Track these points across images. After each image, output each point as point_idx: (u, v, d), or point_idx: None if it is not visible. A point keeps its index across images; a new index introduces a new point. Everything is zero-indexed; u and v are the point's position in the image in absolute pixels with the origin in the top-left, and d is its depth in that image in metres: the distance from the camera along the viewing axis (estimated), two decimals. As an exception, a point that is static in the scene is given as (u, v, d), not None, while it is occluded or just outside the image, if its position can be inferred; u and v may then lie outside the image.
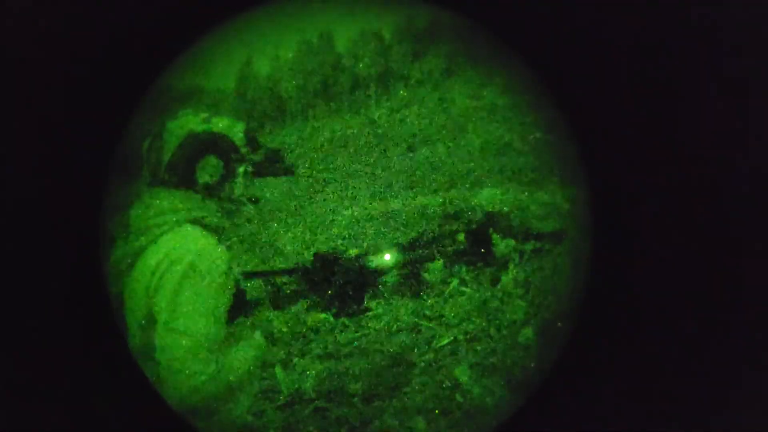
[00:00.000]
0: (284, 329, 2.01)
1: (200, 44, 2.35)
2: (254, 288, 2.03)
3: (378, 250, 2.14)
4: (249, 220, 2.03)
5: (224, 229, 1.98)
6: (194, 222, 1.94)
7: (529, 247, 2.22)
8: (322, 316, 2.11)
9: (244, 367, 1.93)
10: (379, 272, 2.11)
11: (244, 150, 2.02)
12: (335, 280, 2.10)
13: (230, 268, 1.94)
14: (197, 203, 1.96)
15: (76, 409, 2.24)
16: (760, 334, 2.18)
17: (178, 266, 1.87)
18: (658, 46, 2.24)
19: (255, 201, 2.05)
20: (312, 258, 2.07)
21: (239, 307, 1.99)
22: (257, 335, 1.96)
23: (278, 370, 2.10)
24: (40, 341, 2.20)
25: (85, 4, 2.18)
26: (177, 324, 1.85)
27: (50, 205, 2.21)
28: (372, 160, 2.19)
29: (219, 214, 1.97)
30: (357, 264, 2.11)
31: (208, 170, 1.96)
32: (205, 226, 1.94)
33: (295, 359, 2.11)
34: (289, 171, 2.08)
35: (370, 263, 2.10)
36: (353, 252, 2.12)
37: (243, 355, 1.93)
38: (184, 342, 1.86)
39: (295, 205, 2.18)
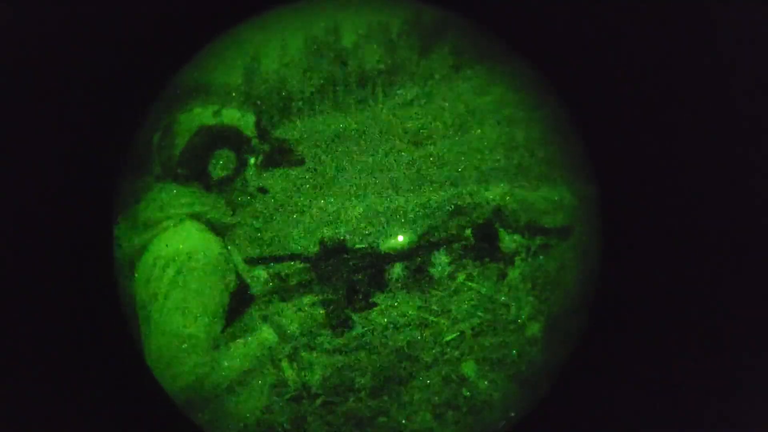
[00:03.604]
0: (292, 322, 2.01)
1: (209, 41, 2.35)
2: (258, 281, 2.03)
3: (390, 234, 2.14)
4: (256, 215, 2.04)
5: (227, 225, 1.97)
6: (196, 218, 1.93)
7: (536, 242, 2.22)
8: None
9: (248, 362, 1.92)
10: (390, 258, 2.11)
11: (255, 142, 2.01)
12: (342, 274, 2.10)
13: (230, 263, 1.92)
14: (203, 198, 1.95)
15: (85, 408, 2.25)
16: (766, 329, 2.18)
17: (174, 265, 1.86)
18: (665, 41, 2.24)
19: (264, 191, 2.05)
20: (318, 249, 2.06)
21: (243, 301, 1.98)
22: (265, 329, 1.95)
23: (285, 364, 2.10)
24: (50, 338, 2.20)
25: (98, 5, 2.19)
26: (170, 323, 1.84)
27: (63, 201, 2.22)
28: (379, 156, 2.19)
29: (224, 209, 1.96)
30: (365, 259, 2.11)
31: (221, 163, 1.95)
32: (207, 222, 1.93)
33: (303, 354, 2.11)
34: (299, 161, 2.08)
35: (381, 245, 2.10)
36: (360, 246, 2.13)
37: (247, 350, 1.92)
38: (176, 341, 1.85)
39: (301, 201, 2.19)
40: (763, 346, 2.19)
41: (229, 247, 1.95)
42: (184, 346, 1.86)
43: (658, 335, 2.30)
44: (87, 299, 2.26)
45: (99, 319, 2.25)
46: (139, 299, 1.99)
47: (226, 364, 1.89)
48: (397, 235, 2.08)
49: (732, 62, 2.19)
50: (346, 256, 2.08)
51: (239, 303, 1.97)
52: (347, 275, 2.07)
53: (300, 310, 2.00)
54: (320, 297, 2.01)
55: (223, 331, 1.92)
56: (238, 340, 1.93)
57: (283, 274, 2.05)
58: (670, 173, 2.27)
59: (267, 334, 1.94)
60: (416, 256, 2.15)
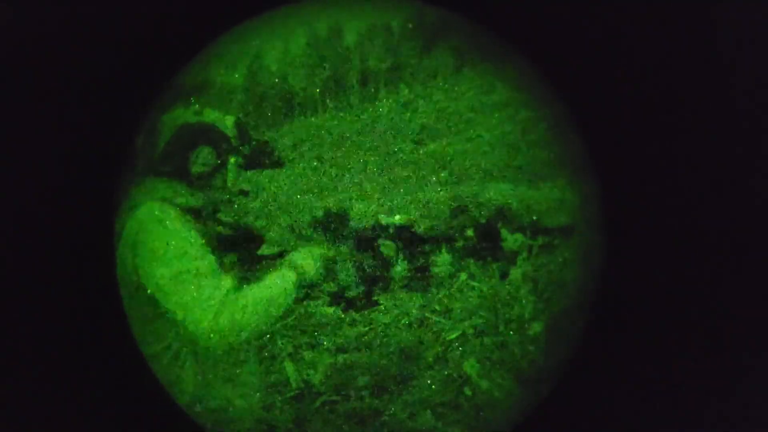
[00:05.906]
0: (308, 263, 2.02)
1: (210, 41, 2.36)
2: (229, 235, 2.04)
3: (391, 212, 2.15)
4: (246, 213, 2.04)
5: (198, 210, 2.01)
6: (168, 201, 2.00)
7: (538, 241, 2.23)
8: (330, 311, 2.11)
9: (269, 292, 1.95)
10: (387, 234, 2.12)
11: (234, 141, 2.07)
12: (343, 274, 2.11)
13: (199, 216, 1.96)
14: (183, 191, 2.00)
15: (85, 408, 2.25)
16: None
17: (143, 226, 1.94)
18: (665, 41, 2.25)
19: (245, 194, 2.07)
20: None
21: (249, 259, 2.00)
22: (283, 269, 1.97)
23: (288, 363, 2.11)
24: (50, 338, 2.20)
25: (98, 5, 2.19)
26: (144, 271, 1.91)
27: (63, 201, 2.23)
28: (380, 155, 2.19)
29: (202, 202, 2.01)
30: (365, 258, 2.12)
31: (201, 159, 2.01)
32: (176, 205, 2.00)
33: (305, 352, 2.12)
34: (278, 164, 2.09)
35: (381, 221, 2.11)
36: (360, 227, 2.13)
37: (267, 283, 1.95)
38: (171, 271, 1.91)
39: (302, 201, 2.19)
40: (763, 346, 2.20)
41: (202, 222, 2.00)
42: (185, 276, 1.94)
43: (658, 335, 2.31)
44: (87, 299, 2.26)
45: (99, 319, 2.25)
46: (121, 267, 2.08)
47: (247, 292, 1.95)
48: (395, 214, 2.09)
49: (732, 62, 2.21)
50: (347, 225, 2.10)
51: (248, 260, 1.99)
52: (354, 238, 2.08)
53: (311, 255, 2.02)
54: (329, 251, 2.03)
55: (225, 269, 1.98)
56: (254, 282, 1.98)
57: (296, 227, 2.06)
58: (671, 173, 2.28)
59: (286, 271, 1.98)
60: (418, 251, 2.16)
